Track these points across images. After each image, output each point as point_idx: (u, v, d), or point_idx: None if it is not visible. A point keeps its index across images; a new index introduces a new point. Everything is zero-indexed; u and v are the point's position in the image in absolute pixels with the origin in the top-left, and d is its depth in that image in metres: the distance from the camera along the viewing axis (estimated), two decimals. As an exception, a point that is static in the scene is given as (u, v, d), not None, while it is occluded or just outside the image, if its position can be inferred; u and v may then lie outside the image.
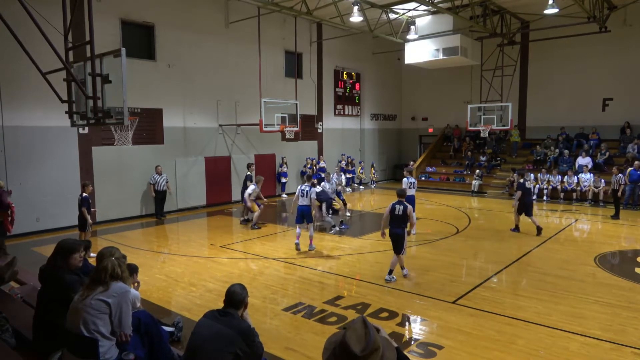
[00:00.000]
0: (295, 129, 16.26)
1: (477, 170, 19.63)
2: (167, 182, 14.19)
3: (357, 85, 22.67)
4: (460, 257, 9.56)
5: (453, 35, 17.46)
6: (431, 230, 12.18)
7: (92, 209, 10.19)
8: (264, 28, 15.81)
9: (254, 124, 15.81)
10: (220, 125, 16.51)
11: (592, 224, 13.46)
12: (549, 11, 14.65)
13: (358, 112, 22.97)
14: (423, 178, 21.71)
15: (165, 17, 14.61)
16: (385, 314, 6.44)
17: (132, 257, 9.18)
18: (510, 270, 8.71)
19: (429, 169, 22.28)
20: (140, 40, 14.30)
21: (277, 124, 15.65)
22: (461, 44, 17.46)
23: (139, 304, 4.74)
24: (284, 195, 18.53)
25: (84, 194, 9.65)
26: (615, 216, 13.74)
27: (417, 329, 6.13)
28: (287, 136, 16.61)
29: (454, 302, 6.91)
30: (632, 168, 15.29)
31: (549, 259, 9.26)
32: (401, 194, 8.13)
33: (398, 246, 7.90)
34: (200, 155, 15.95)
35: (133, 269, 5.32)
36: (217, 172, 16.49)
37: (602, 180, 16.39)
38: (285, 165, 18.73)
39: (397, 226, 7.89)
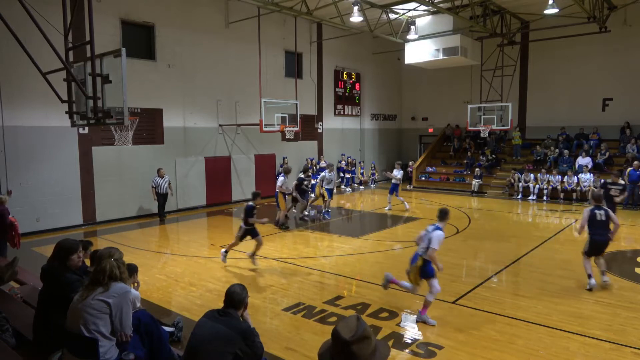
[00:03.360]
0: (295, 129, 16.26)
1: (477, 170, 19.63)
2: (169, 184, 14.00)
3: (357, 85, 22.67)
4: (461, 257, 9.56)
5: (453, 35, 17.46)
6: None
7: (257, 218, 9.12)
8: (264, 28, 15.81)
9: (254, 124, 15.81)
10: (220, 125, 16.52)
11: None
12: (549, 11, 14.65)
13: (358, 112, 22.98)
14: (423, 178, 21.72)
15: (165, 17, 14.61)
16: (385, 314, 6.44)
17: (132, 257, 9.19)
18: (511, 270, 8.72)
19: (429, 169, 22.28)
20: (140, 40, 14.30)
21: (277, 124, 15.65)
22: (461, 44, 17.47)
23: (139, 304, 4.73)
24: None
25: (250, 203, 9.05)
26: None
27: (417, 329, 6.13)
28: (287, 136, 16.62)
29: (454, 302, 6.91)
30: (631, 168, 15.28)
31: (549, 259, 9.26)
32: (597, 198, 7.59)
33: (602, 251, 7.51)
34: (200, 155, 15.96)
35: (133, 269, 5.32)
36: (217, 172, 16.49)
37: (602, 180, 16.36)
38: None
39: (603, 233, 7.37)
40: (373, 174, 22.52)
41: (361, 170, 22.07)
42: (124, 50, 5.97)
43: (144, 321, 3.93)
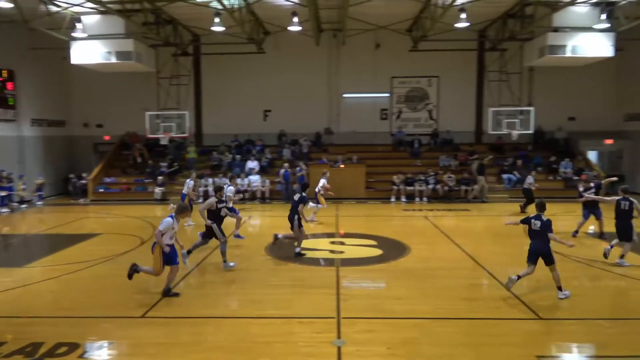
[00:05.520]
0: None
1: (159, 178, 19.56)
2: None
3: (9, 85, 18.92)
4: (148, 268, 9.32)
5: (126, 40, 16.84)
6: (112, 246, 11.37)
7: None
8: None
9: None
10: None
11: (262, 219, 15.53)
12: (216, 28, 16.00)
13: (14, 116, 19.24)
14: (101, 190, 20.10)
15: None
16: (63, 349, 5.61)
17: None
18: (197, 271, 9.08)
19: (107, 180, 20.77)
20: None
21: None
22: (135, 50, 17.03)
23: None
24: None
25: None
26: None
27: (104, 355, 5.62)
28: None
29: (142, 316, 6.67)
30: (284, 170, 18.26)
31: (229, 255, 10.10)
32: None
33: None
34: None
35: None
36: None
37: (267, 181, 19.10)
38: None
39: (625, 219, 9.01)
40: (40, 190, 19.28)
41: (22, 186, 18.57)
42: None
43: None
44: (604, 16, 16.04)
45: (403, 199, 18.76)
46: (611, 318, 6.56)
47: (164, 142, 19.04)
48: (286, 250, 10.69)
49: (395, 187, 18.91)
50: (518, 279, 7.26)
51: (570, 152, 21.10)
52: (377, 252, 10.54)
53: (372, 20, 18.59)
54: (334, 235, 12.54)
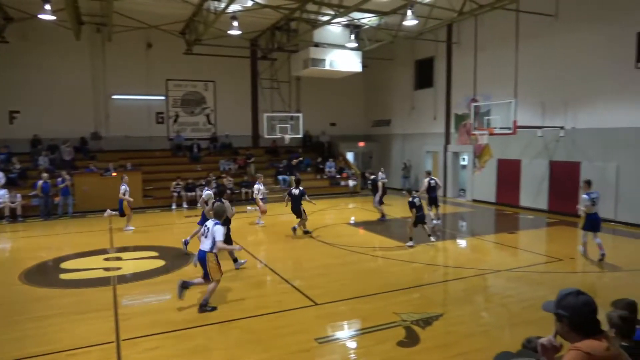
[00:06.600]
0: None
1: None
2: None
3: None
4: None
5: None
6: None
7: None
8: None
9: None
10: None
11: (14, 242, 13.00)
12: None
13: None
14: None
15: None
16: None
17: None
18: None
19: None
20: None
21: None
22: None
23: None
24: None
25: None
26: None
27: None
28: None
29: None
30: (42, 181, 15.52)
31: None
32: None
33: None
34: None
35: None
36: None
37: (18, 195, 16.04)
38: None
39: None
40: None
41: None
42: None
43: None
44: (353, 37, 18.90)
45: (185, 205, 18.28)
46: (370, 294, 7.72)
47: None
48: (50, 275, 9.24)
49: (175, 194, 18.28)
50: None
51: (333, 153, 24.05)
52: (160, 263, 10.02)
53: (142, 18, 17.55)
54: (108, 251, 11.37)
